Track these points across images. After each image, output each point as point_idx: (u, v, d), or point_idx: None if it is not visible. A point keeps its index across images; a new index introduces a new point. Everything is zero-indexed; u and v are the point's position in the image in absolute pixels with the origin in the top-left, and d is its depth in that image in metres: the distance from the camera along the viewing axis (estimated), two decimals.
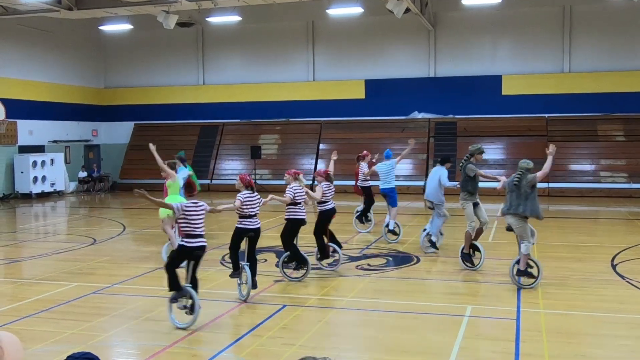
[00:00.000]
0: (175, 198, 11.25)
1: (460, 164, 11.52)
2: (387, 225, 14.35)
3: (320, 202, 11.02)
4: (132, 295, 9.94)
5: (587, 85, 26.47)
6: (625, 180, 24.74)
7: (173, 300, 8.15)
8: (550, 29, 27.01)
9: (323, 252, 11.07)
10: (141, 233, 16.24)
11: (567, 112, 26.63)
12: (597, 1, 25.77)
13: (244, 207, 9.23)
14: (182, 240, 8.18)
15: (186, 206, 8.13)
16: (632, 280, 10.40)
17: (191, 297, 8.02)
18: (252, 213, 9.32)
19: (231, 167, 29.36)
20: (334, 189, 11.21)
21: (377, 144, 24.83)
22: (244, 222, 9.33)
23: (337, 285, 10.54)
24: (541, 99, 26.89)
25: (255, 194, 9.39)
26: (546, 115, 26.94)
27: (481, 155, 11.39)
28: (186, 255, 8.14)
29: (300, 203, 10.25)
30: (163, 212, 11.63)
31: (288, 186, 10.28)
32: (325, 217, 11.12)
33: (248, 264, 9.33)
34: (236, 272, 9.37)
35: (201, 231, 8.14)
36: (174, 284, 8.12)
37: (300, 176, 10.39)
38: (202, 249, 8.15)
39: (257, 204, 9.39)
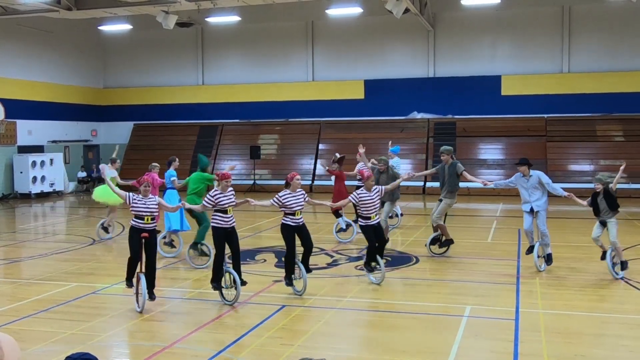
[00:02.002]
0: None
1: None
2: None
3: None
4: (131, 295, 9.93)
5: (586, 86, 26.48)
6: (624, 180, 24.69)
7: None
8: (550, 29, 27.03)
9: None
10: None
11: (566, 112, 26.64)
12: (596, 1, 25.79)
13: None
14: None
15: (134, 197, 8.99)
16: (630, 281, 10.41)
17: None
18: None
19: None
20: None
21: (377, 144, 24.87)
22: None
23: (337, 286, 10.54)
24: (540, 99, 26.90)
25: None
26: (545, 115, 26.95)
27: (442, 155, 12.33)
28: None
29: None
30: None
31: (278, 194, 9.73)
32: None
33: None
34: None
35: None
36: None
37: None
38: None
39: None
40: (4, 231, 17.65)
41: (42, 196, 26.74)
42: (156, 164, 13.88)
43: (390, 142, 17.16)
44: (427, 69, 28.42)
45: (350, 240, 14.35)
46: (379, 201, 10.25)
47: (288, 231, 9.66)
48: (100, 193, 14.74)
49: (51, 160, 27.24)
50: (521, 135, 26.69)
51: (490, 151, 26.76)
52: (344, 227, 14.50)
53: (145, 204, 8.99)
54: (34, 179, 26.40)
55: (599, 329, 8.07)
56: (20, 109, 26.77)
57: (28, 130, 27.52)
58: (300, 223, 9.69)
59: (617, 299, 9.44)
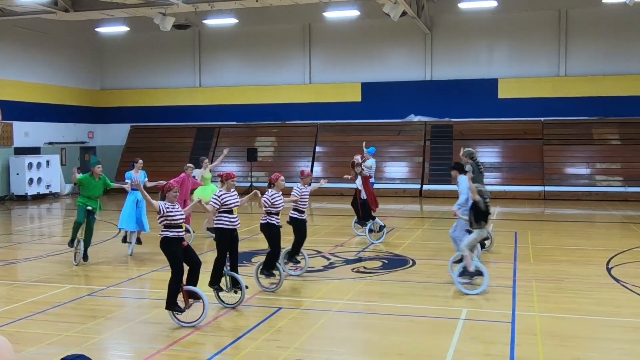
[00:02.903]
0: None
1: (481, 165, 12.64)
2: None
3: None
4: (127, 297, 9.93)
5: (583, 89, 26.53)
6: (620, 183, 24.80)
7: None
8: (546, 32, 27.08)
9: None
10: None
11: (563, 115, 26.69)
12: (592, 5, 25.85)
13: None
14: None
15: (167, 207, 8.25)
16: (627, 284, 10.42)
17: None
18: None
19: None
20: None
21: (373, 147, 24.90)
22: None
23: (333, 288, 10.53)
24: (537, 103, 26.95)
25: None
26: (542, 118, 26.99)
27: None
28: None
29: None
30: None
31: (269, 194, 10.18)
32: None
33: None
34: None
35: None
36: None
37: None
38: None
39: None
40: (0, 233, 17.61)
41: (39, 198, 26.69)
42: (190, 165, 14.12)
43: (364, 144, 17.30)
44: (424, 72, 28.45)
45: (381, 241, 14.53)
46: None
47: (273, 229, 10.00)
48: (199, 194, 14.73)
49: (47, 162, 27.19)
50: (518, 139, 26.73)
51: (487, 154, 26.75)
52: (378, 228, 14.75)
53: (179, 211, 8.25)
54: (30, 180, 26.35)
55: (595, 332, 8.08)
56: (17, 111, 26.74)
57: (25, 132, 27.48)
58: (280, 223, 10.15)
59: (613, 302, 9.45)
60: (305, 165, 28.54)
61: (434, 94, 28.14)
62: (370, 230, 14.71)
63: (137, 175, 13.65)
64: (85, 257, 12.50)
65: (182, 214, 8.30)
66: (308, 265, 11.30)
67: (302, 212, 10.86)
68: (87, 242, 12.61)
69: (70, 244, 12.70)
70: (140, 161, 13.95)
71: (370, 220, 14.70)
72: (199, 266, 8.52)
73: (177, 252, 8.19)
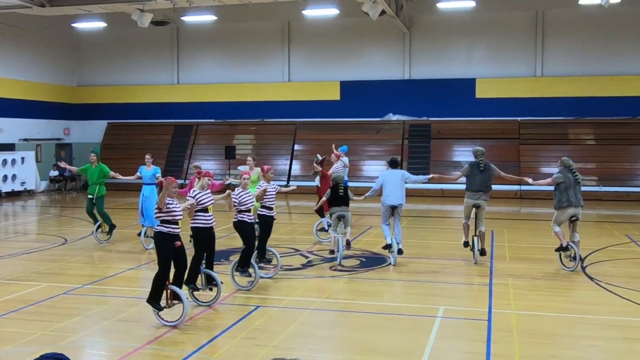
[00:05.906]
0: None
1: (482, 165, 12.30)
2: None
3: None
4: (104, 295, 9.85)
5: (559, 90, 26.81)
6: (595, 183, 25.10)
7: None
8: (523, 33, 27.32)
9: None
10: (112, 233, 16.05)
11: (539, 115, 26.95)
12: (569, 6, 26.11)
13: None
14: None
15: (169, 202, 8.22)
16: (601, 282, 10.56)
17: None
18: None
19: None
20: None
21: (352, 145, 24.95)
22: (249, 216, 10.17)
23: (311, 286, 10.55)
24: (514, 103, 27.17)
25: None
26: (518, 118, 27.23)
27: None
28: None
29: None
30: None
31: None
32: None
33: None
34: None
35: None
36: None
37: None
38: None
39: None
40: None
41: (13, 195, 26.35)
42: (197, 164, 13.89)
43: (333, 146, 17.36)
44: (402, 71, 28.55)
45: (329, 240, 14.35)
46: None
47: (245, 226, 10.07)
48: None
49: (22, 158, 26.86)
50: (495, 138, 26.91)
51: (465, 153, 26.91)
52: (326, 227, 14.54)
53: (178, 207, 8.18)
54: (5, 177, 26.01)
55: (570, 330, 8.18)
56: None
57: None
58: (252, 220, 10.27)
59: (588, 300, 9.58)
60: (284, 163, 28.51)
61: (412, 93, 28.25)
62: (323, 229, 14.64)
63: (149, 169, 14.21)
64: (111, 228, 14.42)
65: (180, 212, 8.23)
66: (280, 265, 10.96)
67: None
68: (107, 222, 14.42)
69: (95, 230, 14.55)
70: (148, 156, 14.55)
71: (324, 218, 14.65)
72: (186, 268, 8.55)
73: (169, 250, 8.15)
